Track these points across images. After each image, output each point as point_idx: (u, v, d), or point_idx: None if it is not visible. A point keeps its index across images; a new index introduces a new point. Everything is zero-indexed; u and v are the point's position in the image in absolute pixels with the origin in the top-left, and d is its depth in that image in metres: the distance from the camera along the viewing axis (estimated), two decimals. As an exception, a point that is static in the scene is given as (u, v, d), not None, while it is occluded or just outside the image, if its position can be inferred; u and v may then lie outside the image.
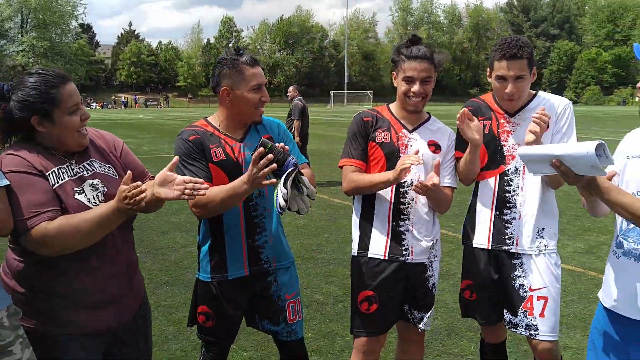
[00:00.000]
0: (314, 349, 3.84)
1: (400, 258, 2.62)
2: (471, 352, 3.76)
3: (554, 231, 2.68)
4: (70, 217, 1.95)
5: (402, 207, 2.61)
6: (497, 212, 2.67)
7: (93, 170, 2.12)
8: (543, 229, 2.64)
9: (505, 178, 2.66)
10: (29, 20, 63.96)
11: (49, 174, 2.01)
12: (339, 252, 6.10)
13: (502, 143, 2.66)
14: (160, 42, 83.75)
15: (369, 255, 2.65)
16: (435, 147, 2.65)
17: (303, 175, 2.27)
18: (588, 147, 1.82)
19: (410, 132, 2.66)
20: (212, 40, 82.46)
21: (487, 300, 2.76)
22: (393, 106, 2.74)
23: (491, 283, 2.72)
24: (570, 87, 79.17)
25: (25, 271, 2.04)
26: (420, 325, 2.69)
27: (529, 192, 2.62)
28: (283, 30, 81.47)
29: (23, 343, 1.94)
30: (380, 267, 2.63)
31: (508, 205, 2.65)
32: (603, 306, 2.19)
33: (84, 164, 2.12)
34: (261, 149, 2.14)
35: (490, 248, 2.69)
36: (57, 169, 2.03)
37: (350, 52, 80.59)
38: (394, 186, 2.59)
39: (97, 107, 61.69)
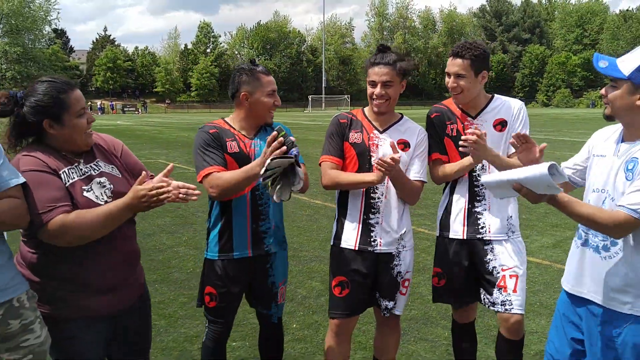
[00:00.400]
0: (299, 338, 4.09)
1: (369, 248, 2.86)
2: (445, 338, 4.05)
3: (517, 218, 3.00)
4: (84, 212, 2.16)
5: (372, 201, 2.85)
6: (470, 205, 2.95)
7: (99, 169, 2.34)
8: (511, 216, 2.95)
9: (474, 174, 2.95)
10: (1, 26, 62.88)
11: (61, 173, 2.22)
12: (320, 250, 6.35)
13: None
14: (136, 48, 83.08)
15: (342, 246, 2.91)
16: (404, 145, 2.88)
17: (300, 168, 2.55)
18: (541, 169, 2.04)
19: (381, 132, 2.90)
20: (190, 46, 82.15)
21: (459, 285, 3.03)
22: (367, 109, 2.99)
23: (463, 270, 2.99)
24: (542, 90, 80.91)
25: (37, 261, 2.25)
26: (394, 312, 2.94)
27: None
28: (261, 35, 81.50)
29: (41, 323, 2.17)
30: (351, 256, 2.88)
31: (478, 198, 2.94)
32: (564, 290, 2.47)
33: (91, 164, 2.33)
34: (275, 132, 2.48)
35: (465, 238, 2.97)
36: (67, 170, 2.24)
37: (328, 57, 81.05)
38: None
39: (72, 114, 60.54)
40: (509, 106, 2.96)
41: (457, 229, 2.99)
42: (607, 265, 2.25)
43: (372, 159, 2.83)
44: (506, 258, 2.90)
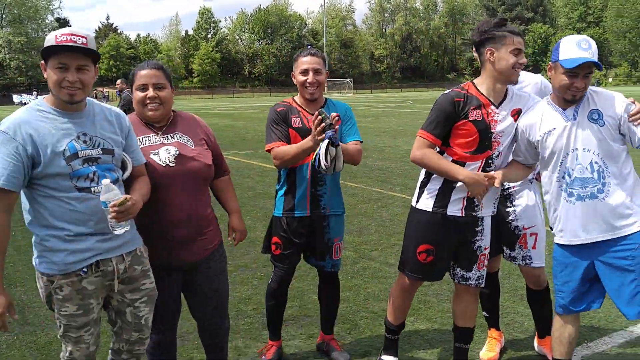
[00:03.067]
0: (343, 298, 4.40)
1: (474, 214, 2.93)
2: (476, 296, 4.44)
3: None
4: None
5: (488, 169, 2.89)
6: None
7: (173, 139, 2.72)
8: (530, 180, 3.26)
9: (489, 161, 2.92)
10: (4, 16, 62.88)
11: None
12: (347, 223, 6.71)
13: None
14: (138, 35, 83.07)
15: (448, 213, 2.91)
16: (518, 115, 2.89)
17: (333, 147, 2.92)
18: None
19: (497, 107, 2.86)
20: (191, 32, 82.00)
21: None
22: (480, 83, 2.90)
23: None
24: (546, 70, 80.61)
25: None
26: (481, 283, 3.07)
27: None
28: (261, 20, 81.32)
29: (151, 271, 2.58)
30: (448, 223, 2.93)
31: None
32: (558, 243, 2.82)
33: (168, 135, 2.72)
34: (316, 113, 2.91)
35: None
36: (142, 137, 2.68)
37: (329, 40, 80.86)
38: (485, 159, 2.86)
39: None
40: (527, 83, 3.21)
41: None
42: (608, 202, 2.65)
43: (492, 135, 2.84)
44: (526, 218, 3.20)
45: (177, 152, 2.66)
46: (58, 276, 2.30)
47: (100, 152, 2.35)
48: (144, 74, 2.69)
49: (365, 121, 22.23)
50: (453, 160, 2.89)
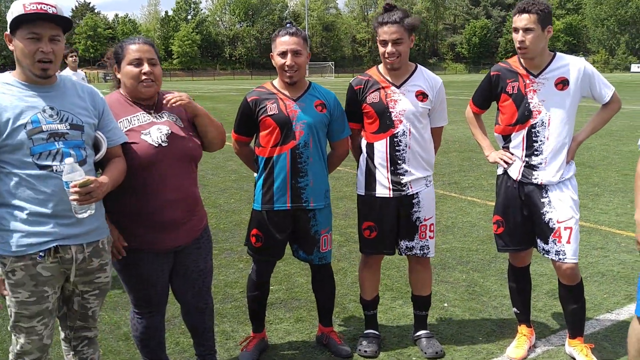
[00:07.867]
0: (330, 282, 4.43)
1: (402, 193, 3.13)
2: (463, 280, 4.42)
3: (573, 165, 3.12)
4: None
5: (397, 147, 3.08)
6: (527, 159, 3.07)
7: (163, 118, 2.62)
8: (566, 163, 3.05)
9: (533, 130, 3.04)
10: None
11: (121, 121, 2.53)
12: (333, 207, 6.66)
13: (529, 101, 3.02)
14: (116, 15, 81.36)
15: (377, 195, 3.15)
16: (422, 96, 3.09)
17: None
18: None
19: (398, 87, 3.11)
20: (170, 13, 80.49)
21: (516, 232, 3.17)
22: (382, 67, 3.18)
23: (520, 219, 3.13)
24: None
25: (110, 193, 2.44)
26: (428, 255, 3.24)
27: (552, 138, 3.03)
28: (242, 1, 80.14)
29: (110, 265, 2.46)
30: (383, 203, 3.15)
31: (536, 152, 3.04)
32: None
33: (157, 114, 2.62)
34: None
35: (519, 180, 3.09)
36: (131, 117, 2.56)
37: (311, 23, 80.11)
38: (388, 138, 3.09)
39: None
40: (571, 65, 3.02)
41: (514, 174, 3.12)
42: None
43: (392, 114, 3.07)
44: (561, 210, 3.01)
45: (170, 132, 2.56)
46: (11, 258, 2.15)
47: (68, 127, 2.21)
48: (136, 48, 2.57)
49: (347, 105, 22.09)
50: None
